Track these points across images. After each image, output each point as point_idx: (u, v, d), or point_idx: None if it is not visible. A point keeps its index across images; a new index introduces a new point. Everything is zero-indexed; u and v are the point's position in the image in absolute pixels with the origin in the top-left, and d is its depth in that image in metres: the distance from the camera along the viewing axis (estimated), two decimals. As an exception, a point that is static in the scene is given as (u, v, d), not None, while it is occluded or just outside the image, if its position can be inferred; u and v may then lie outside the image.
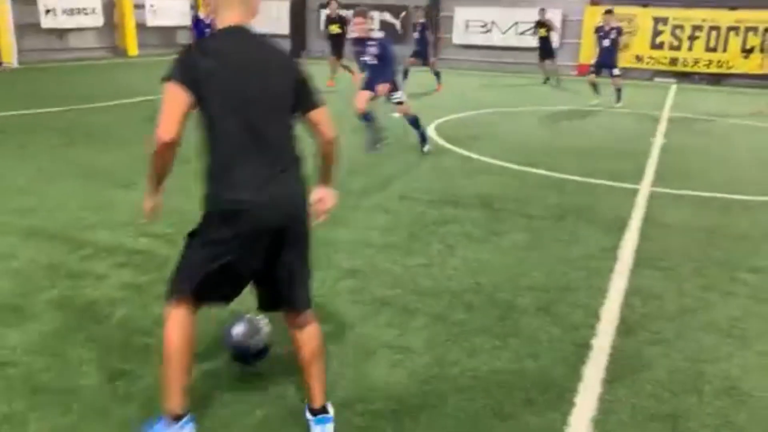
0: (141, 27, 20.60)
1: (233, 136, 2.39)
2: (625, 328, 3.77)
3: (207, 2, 2.47)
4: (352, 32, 8.20)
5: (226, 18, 2.44)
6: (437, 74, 14.84)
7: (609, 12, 13.25)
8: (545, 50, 16.63)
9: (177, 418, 2.54)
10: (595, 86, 13.16)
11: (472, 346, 3.50)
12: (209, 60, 2.36)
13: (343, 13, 14.56)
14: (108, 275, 4.24)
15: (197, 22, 11.96)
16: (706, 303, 4.15)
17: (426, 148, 8.38)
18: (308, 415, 2.74)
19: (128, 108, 11.04)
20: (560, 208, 6.08)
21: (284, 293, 2.63)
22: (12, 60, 16.57)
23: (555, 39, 17.23)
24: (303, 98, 2.53)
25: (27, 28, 17.39)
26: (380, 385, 3.11)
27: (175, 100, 2.32)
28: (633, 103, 13.36)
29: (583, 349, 3.51)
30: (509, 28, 19.39)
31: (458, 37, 20.34)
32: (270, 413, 2.86)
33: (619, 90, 13.04)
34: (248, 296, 2.74)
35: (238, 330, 3.09)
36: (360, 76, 8.48)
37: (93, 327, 3.56)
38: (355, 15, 7.98)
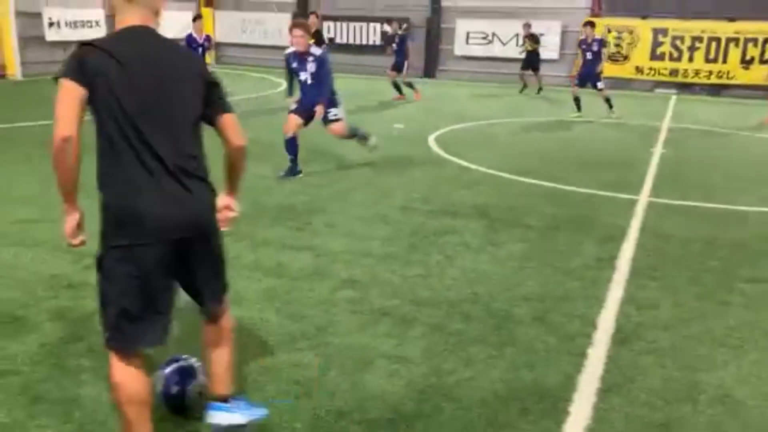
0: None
1: (132, 139, 2.25)
2: (621, 338, 3.80)
3: (110, 3, 2.41)
4: (292, 46, 7.23)
5: (127, 18, 2.34)
6: (410, 85, 15.07)
7: (590, 24, 13.33)
8: (530, 62, 17.11)
9: None
10: (577, 100, 13.09)
11: (469, 356, 3.53)
12: (104, 59, 2.23)
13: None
14: (109, 286, 4.27)
15: (189, 39, 11.94)
16: (701, 312, 4.18)
17: (371, 141, 7.97)
18: (208, 404, 2.71)
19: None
20: (557, 218, 6.12)
21: (201, 302, 2.60)
22: (16, 72, 16.71)
23: (546, 51, 17.64)
24: (211, 103, 2.45)
25: (31, 40, 17.53)
26: (377, 394, 3.14)
27: (69, 96, 2.20)
28: (633, 113, 13.42)
29: (578, 359, 3.54)
30: (510, 40, 19.49)
31: (459, 48, 20.46)
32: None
33: (608, 100, 13.02)
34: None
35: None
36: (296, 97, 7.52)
37: (93, 337, 3.58)
38: (294, 26, 7.10)
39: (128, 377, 2.37)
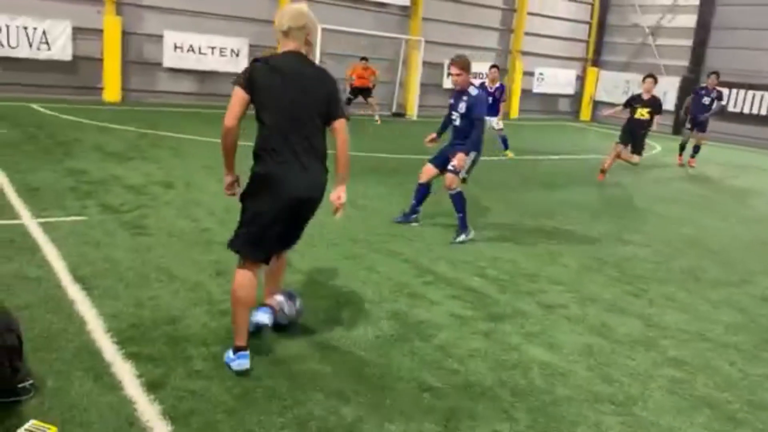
0: (527, 93, 22.43)
1: (278, 127, 3.30)
2: None
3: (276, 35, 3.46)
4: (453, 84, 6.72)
5: (286, 45, 3.42)
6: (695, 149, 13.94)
7: None
8: None
9: (241, 350, 3.36)
10: None
11: (807, 483, 2.94)
12: (267, 71, 3.31)
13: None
14: (441, 303, 4.71)
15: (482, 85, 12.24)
16: None
17: (459, 238, 6.41)
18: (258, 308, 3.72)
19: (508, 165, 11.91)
20: None
21: (284, 245, 3.68)
22: (413, 113, 19.35)
23: None
24: (332, 108, 3.43)
25: (430, 87, 20.16)
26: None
27: (236, 98, 3.27)
28: None
29: None
30: None
31: None
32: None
33: None
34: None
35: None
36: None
37: (417, 342, 4.02)
38: (451, 64, 6.47)
39: (247, 282, 3.42)
